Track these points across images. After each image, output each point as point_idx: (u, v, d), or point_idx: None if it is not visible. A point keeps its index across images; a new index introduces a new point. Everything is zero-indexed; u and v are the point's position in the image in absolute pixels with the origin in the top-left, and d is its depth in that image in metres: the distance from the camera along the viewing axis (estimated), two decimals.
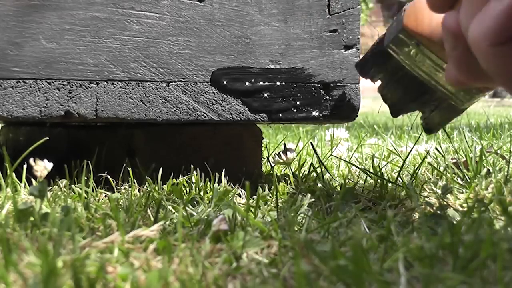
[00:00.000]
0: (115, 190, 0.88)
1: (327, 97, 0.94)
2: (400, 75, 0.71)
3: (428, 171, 1.05)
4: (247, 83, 0.91)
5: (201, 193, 0.84)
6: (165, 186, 0.87)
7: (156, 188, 0.84)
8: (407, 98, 0.74)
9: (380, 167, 1.05)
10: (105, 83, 0.85)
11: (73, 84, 0.84)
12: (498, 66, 0.43)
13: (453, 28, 0.48)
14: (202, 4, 0.90)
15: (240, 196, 0.88)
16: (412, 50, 0.64)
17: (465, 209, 0.76)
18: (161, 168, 0.88)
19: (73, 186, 0.85)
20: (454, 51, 0.49)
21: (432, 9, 0.51)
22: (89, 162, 0.90)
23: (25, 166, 0.82)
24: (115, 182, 0.89)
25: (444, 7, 0.50)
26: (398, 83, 0.73)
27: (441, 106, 0.71)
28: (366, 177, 0.98)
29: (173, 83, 0.89)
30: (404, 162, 1.01)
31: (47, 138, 0.86)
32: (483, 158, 1.01)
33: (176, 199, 0.81)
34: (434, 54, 0.63)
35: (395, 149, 1.24)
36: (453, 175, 0.98)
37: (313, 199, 0.81)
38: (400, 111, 0.78)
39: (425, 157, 1.06)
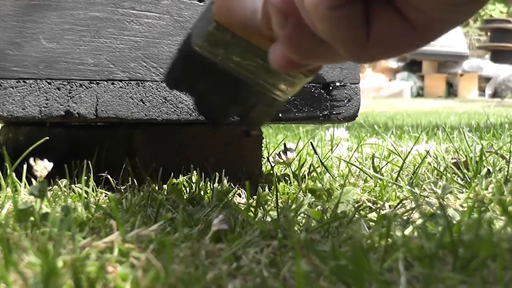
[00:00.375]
0: (115, 190, 0.88)
1: (327, 97, 0.94)
2: (213, 77, 0.64)
3: (428, 171, 1.05)
4: None
5: (201, 193, 0.84)
6: (165, 186, 0.87)
7: (156, 188, 0.84)
8: (225, 101, 0.67)
9: (380, 167, 1.05)
10: (105, 83, 0.85)
11: (73, 84, 0.84)
12: (338, 30, 0.43)
13: (281, 5, 0.46)
14: (202, 4, 0.90)
15: (240, 196, 0.88)
16: (226, 44, 0.59)
17: (465, 209, 0.76)
18: (161, 168, 0.88)
19: (73, 186, 0.85)
20: (283, 30, 0.47)
21: None
22: (89, 162, 0.90)
23: (25, 166, 0.82)
24: (115, 182, 0.89)
25: None
26: (211, 86, 0.66)
27: (260, 101, 0.65)
28: (366, 177, 0.98)
29: None
30: (404, 162, 1.01)
31: (47, 138, 0.86)
32: (483, 158, 1.01)
33: (176, 199, 0.81)
34: (250, 44, 0.58)
35: (395, 149, 1.24)
36: (453, 175, 0.98)
37: (313, 199, 0.81)
38: (220, 118, 0.72)
39: (425, 157, 1.07)
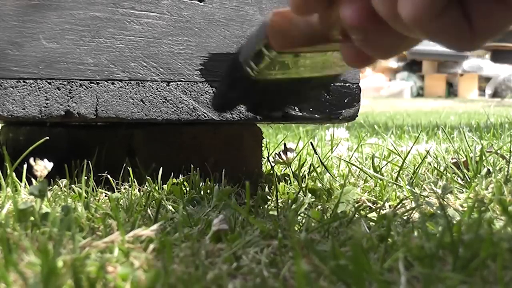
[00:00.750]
0: (115, 190, 0.88)
1: (328, 96, 0.94)
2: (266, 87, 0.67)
3: (428, 171, 1.05)
4: None
5: (201, 193, 0.84)
6: (165, 186, 0.87)
7: (156, 187, 0.84)
8: (281, 99, 0.70)
9: (380, 167, 1.05)
10: (105, 82, 0.85)
11: (73, 84, 0.84)
12: (443, 35, 0.44)
13: (358, 22, 0.47)
14: (202, 4, 0.90)
15: (240, 196, 0.88)
16: (287, 64, 0.62)
17: (465, 209, 0.76)
18: (161, 168, 0.88)
19: (73, 185, 0.85)
20: (362, 36, 0.48)
21: (299, 13, 0.52)
22: (89, 161, 0.90)
23: (25, 166, 0.82)
24: (115, 182, 0.89)
25: (314, 8, 0.50)
26: (266, 94, 0.69)
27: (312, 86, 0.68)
28: (366, 177, 0.98)
29: (173, 82, 0.89)
30: (404, 162, 1.01)
31: (47, 137, 0.86)
32: (483, 158, 1.01)
33: (176, 198, 0.81)
34: (314, 53, 0.60)
35: (395, 148, 1.24)
36: (453, 175, 0.98)
37: (313, 199, 0.81)
38: (277, 112, 0.76)
39: (425, 157, 1.07)
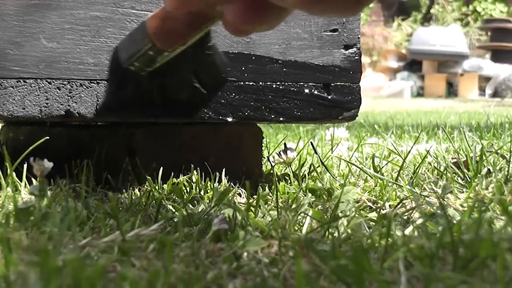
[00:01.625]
0: (116, 190, 0.88)
1: (328, 96, 0.94)
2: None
3: (428, 171, 1.05)
4: None
5: (202, 193, 0.84)
6: (165, 186, 0.87)
7: (157, 187, 0.84)
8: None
9: (381, 167, 1.05)
10: (106, 82, 0.85)
11: (74, 83, 0.84)
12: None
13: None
14: None
15: (240, 196, 0.88)
16: (162, 58, 0.68)
17: (466, 208, 0.76)
18: (161, 168, 0.88)
19: (73, 185, 0.85)
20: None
21: (179, 11, 0.54)
22: (89, 161, 0.90)
23: (25, 166, 0.82)
24: (115, 182, 0.89)
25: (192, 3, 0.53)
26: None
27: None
28: (367, 177, 0.98)
29: None
30: (404, 161, 1.01)
31: (47, 137, 0.86)
32: (484, 157, 1.01)
33: (176, 198, 0.81)
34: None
35: (395, 148, 1.24)
36: (454, 174, 0.98)
37: (313, 199, 0.81)
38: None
39: (425, 156, 1.07)
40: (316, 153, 1.10)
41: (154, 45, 0.65)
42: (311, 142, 1.12)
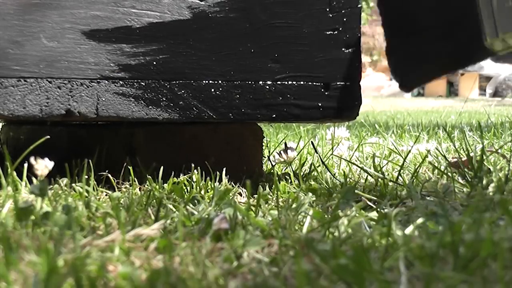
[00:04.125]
0: (116, 189, 0.88)
1: (328, 96, 0.94)
2: None
3: (429, 170, 1.05)
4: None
5: (202, 192, 0.84)
6: (165, 185, 0.87)
7: (157, 187, 0.84)
8: None
9: (381, 166, 1.05)
10: (106, 81, 0.85)
11: (74, 83, 0.84)
12: None
13: None
14: (203, 3, 0.90)
15: (240, 195, 0.88)
16: None
17: (466, 208, 0.76)
18: (161, 167, 0.88)
19: (74, 184, 0.85)
20: None
21: None
22: (89, 161, 0.90)
23: (25, 165, 0.82)
24: (115, 181, 0.89)
25: None
26: None
27: None
28: (367, 176, 0.98)
29: (175, 81, 0.89)
30: (404, 161, 1.01)
31: (48, 137, 0.86)
32: (484, 157, 1.01)
33: (176, 198, 0.81)
34: None
35: (395, 148, 1.24)
36: (454, 174, 0.98)
37: (314, 198, 0.81)
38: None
39: (426, 156, 1.07)
40: (317, 153, 1.10)
41: None
42: (312, 142, 1.12)
